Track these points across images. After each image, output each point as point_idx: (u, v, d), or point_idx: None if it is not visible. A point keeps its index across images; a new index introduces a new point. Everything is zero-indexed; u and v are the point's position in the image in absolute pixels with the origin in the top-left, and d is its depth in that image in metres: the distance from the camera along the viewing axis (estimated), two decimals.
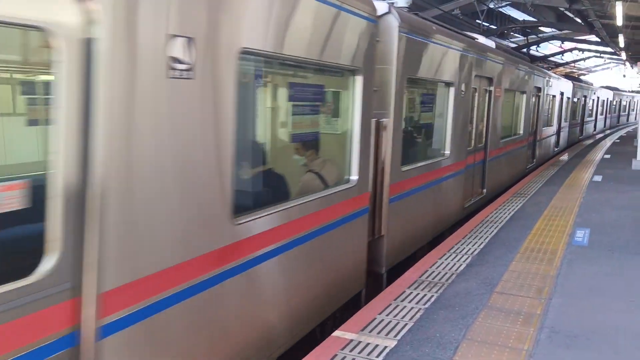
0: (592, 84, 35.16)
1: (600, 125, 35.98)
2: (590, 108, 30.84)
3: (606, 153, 20.77)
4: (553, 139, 20.01)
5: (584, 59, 40.49)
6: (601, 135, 32.40)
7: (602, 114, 36.38)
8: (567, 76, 26.82)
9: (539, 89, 15.73)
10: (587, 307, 5.30)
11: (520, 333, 4.68)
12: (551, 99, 18.52)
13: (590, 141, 26.90)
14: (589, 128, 31.31)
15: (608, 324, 4.91)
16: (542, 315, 5.06)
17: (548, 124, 18.56)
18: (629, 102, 52.62)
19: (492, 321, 4.91)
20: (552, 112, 19.03)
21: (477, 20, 19.02)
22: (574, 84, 23.69)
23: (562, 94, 20.53)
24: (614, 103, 42.78)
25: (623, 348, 4.46)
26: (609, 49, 31.99)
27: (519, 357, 4.26)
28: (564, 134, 22.57)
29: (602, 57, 40.04)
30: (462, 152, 9.11)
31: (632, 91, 54.10)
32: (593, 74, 49.87)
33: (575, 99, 24.74)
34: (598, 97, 33.28)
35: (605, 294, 5.66)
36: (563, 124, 21.96)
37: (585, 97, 27.91)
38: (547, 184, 12.92)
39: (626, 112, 51.80)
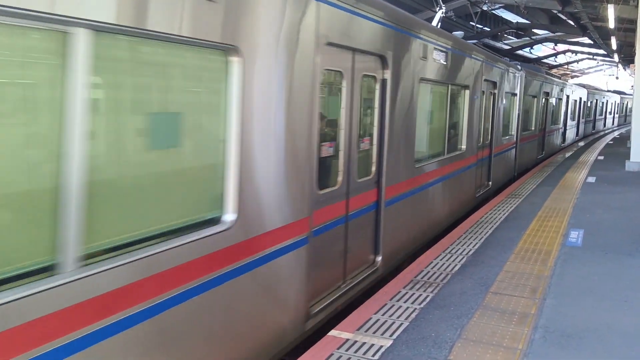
0: (558, 77, 26.67)
1: (571, 135, 27.13)
2: (557, 111, 22.24)
3: (600, 154, 20.89)
4: (478, 175, 11.14)
5: (577, 61, 40.88)
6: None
7: (573, 119, 27.42)
8: (523, 63, 17.45)
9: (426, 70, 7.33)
10: (581, 307, 5.34)
11: (515, 333, 4.72)
12: (471, 96, 9.89)
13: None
14: (555, 140, 22.61)
15: (601, 324, 4.95)
16: (536, 315, 5.10)
17: (470, 145, 10.07)
18: (606, 103, 41.77)
19: (487, 321, 4.95)
20: (470, 122, 10.00)
21: (471, 22, 19.17)
22: (527, 73, 15.38)
23: (495, 84, 11.80)
24: (589, 104, 33.50)
25: (616, 348, 4.50)
26: (601, 51, 32.29)
27: (513, 356, 4.29)
28: (506, 161, 13.86)
29: (595, 59, 40.37)
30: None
31: (609, 90, 47.09)
32: (586, 75, 50.16)
33: (532, 98, 16.75)
34: (568, 97, 24.27)
35: (598, 294, 5.70)
36: (507, 137, 13.70)
37: (548, 94, 19.11)
38: (541, 184, 12.99)
39: (602, 116, 41.38)
